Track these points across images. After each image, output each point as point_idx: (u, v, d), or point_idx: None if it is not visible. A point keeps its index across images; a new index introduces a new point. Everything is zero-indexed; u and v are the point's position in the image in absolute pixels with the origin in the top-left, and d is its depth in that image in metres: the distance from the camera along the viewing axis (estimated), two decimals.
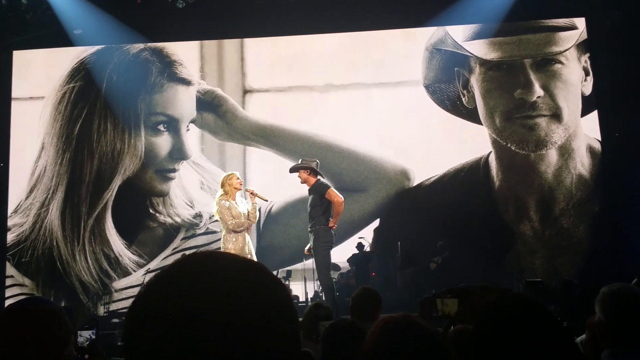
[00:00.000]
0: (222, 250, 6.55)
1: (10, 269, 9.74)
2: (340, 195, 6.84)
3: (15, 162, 10.09)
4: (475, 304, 1.53)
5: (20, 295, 9.30)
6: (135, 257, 9.70)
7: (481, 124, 9.85)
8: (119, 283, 9.58)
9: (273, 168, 9.57)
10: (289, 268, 9.43)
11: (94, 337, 4.07)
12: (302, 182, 7.04)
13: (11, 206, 9.92)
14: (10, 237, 9.82)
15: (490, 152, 9.83)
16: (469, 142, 9.87)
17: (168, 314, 0.70)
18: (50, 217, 9.78)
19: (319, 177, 7.02)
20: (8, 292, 9.59)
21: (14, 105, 10.26)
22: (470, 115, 9.89)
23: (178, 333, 0.68)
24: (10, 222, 9.86)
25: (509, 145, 9.75)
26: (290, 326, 0.74)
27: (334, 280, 8.09)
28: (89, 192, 9.81)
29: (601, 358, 2.13)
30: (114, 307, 9.34)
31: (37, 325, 1.48)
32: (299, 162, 7.15)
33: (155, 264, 9.56)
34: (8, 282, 9.69)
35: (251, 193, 6.75)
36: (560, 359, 1.34)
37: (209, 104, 10.09)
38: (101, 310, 9.44)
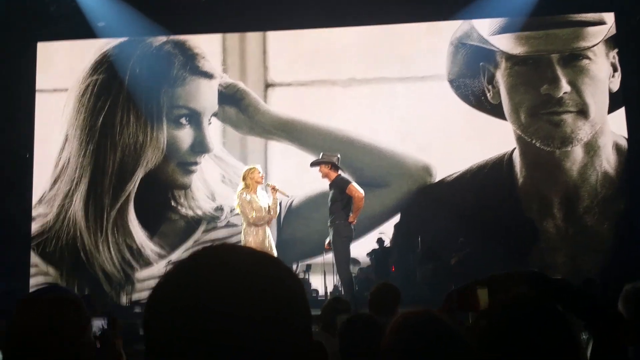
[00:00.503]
0: (242, 243, 6.62)
1: (34, 258, 9.91)
2: (361, 191, 6.86)
3: (39, 153, 10.24)
4: (494, 301, 1.54)
5: (44, 285, 9.46)
6: (157, 249, 9.82)
7: (506, 119, 9.78)
8: (141, 274, 9.71)
9: (294, 162, 9.60)
10: (309, 262, 9.47)
11: (105, 326, 4.14)
12: (323, 177, 7.07)
13: (35, 197, 10.08)
14: (35, 227, 9.99)
15: (515, 148, 9.76)
16: (492, 138, 9.79)
17: (184, 305, 0.72)
18: (73, 208, 9.93)
19: (339, 171, 7.04)
20: (32, 281, 9.76)
21: (38, 97, 10.40)
22: (495, 111, 9.82)
23: (194, 324, 0.70)
24: (34, 213, 10.03)
25: (533, 141, 9.66)
26: (303, 319, 0.77)
27: (354, 274, 8.11)
28: (111, 184, 9.94)
29: None
30: (136, 297, 9.47)
31: (55, 313, 1.50)
32: (320, 156, 7.17)
33: (176, 255, 9.67)
34: (32, 271, 9.87)
35: (273, 188, 6.80)
36: None
37: (231, 97, 10.15)
38: (124, 300, 9.59)
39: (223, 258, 0.77)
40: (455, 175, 9.78)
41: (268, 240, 6.69)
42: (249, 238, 6.62)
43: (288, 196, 7.34)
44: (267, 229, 6.74)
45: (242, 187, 6.70)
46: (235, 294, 0.72)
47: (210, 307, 0.71)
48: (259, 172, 6.75)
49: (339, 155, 7.17)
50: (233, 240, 9.29)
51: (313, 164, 7.15)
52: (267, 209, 6.69)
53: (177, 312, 0.72)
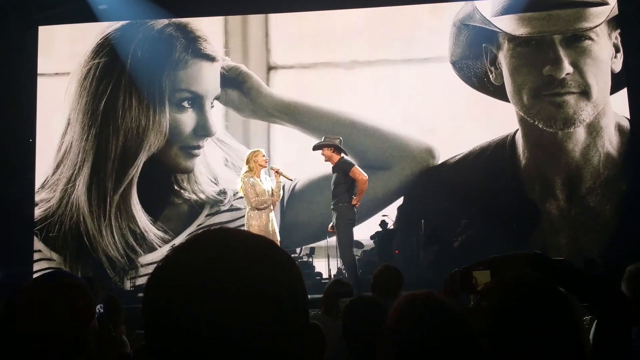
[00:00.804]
0: (245, 227, 6.63)
1: (37, 244, 9.94)
2: (365, 174, 6.85)
3: (41, 138, 10.24)
4: (495, 282, 1.54)
5: (48, 270, 9.49)
6: (160, 233, 9.84)
7: (508, 101, 9.74)
8: (145, 258, 9.74)
9: (297, 145, 9.59)
10: (312, 245, 9.50)
11: (102, 310, 4.15)
12: (325, 160, 7.05)
13: (38, 181, 10.09)
14: (38, 212, 10.00)
15: (517, 130, 9.74)
16: (495, 120, 9.78)
17: (183, 286, 0.73)
18: (76, 192, 9.94)
19: (342, 154, 7.03)
20: (36, 267, 9.80)
21: (40, 81, 10.38)
22: (498, 92, 9.78)
23: (193, 304, 0.72)
24: (37, 198, 10.04)
25: (536, 123, 9.63)
26: (299, 300, 0.78)
27: (357, 257, 8.13)
28: (114, 168, 9.94)
29: None
30: (140, 281, 9.51)
31: (63, 299, 1.49)
32: (322, 139, 7.15)
33: (180, 240, 9.66)
34: (36, 256, 9.90)
35: (276, 172, 6.78)
36: (566, 346, 1.36)
37: (233, 80, 10.11)
38: (127, 285, 9.63)
39: (220, 241, 0.79)
40: (458, 157, 9.77)
41: (271, 224, 6.69)
42: (253, 222, 6.62)
43: (291, 180, 7.33)
44: (271, 213, 6.74)
45: (246, 171, 6.69)
46: (233, 274, 0.74)
47: (209, 288, 0.73)
48: (263, 155, 6.74)
49: (340, 138, 7.16)
50: (236, 223, 9.31)
51: (315, 148, 7.13)
52: (270, 192, 6.69)
53: (175, 294, 0.73)
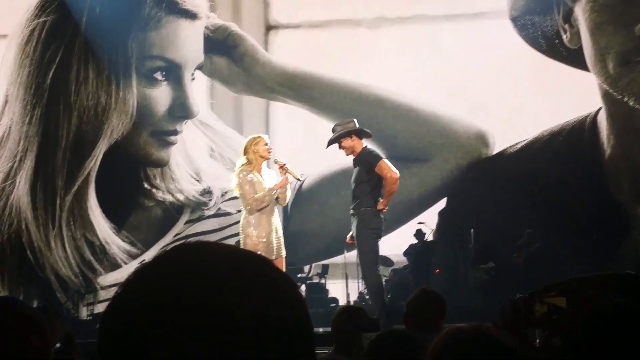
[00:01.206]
0: (241, 236, 6.67)
1: None
2: (396, 170, 6.83)
3: None
4: (574, 313, 1.53)
5: None
6: (126, 246, 9.89)
7: (588, 70, 9.70)
8: (106, 278, 9.79)
9: (305, 129, 9.62)
10: (324, 262, 9.51)
11: (58, 345, 4.23)
12: (348, 154, 7.02)
13: None
14: None
15: (600, 108, 9.71)
16: (570, 95, 9.76)
17: (151, 303, 0.75)
18: (17, 192, 10.00)
19: (364, 139, 7.02)
20: None
21: None
22: (574, 58, 9.76)
23: (163, 319, 0.73)
24: None
25: (625, 99, 9.59)
26: (301, 325, 0.79)
27: (385, 278, 8.12)
28: (66, 159, 9.98)
29: None
30: (99, 308, 9.56)
31: (15, 338, 1.51)
32: (332, 129, 7.14)
33: (152, 254, 9.71)
34: None
35: (281, 167, 6.79)
36: None
37: (220, 44, 10.14)
38: (84, 313, 9.68)
39: (198, 255, 0.80)
40: (519, 146, 9.77)
41: (275, 233, 6.69)
42: (250, 230, 6.64)
43: (300, 179, 7.35)
44: (275, 220, 6.75)
45: (243, 163, 6.72)
46: (213, 289, 0.75)
47: (182, 303, 0.74)
48: (265, 144, 6.75)
49: (354, 120, 7.13)
50: (226, 233, 9.34)
51: (331, 142, 7.12)
52: None
53: (141, 315, 0.74)
